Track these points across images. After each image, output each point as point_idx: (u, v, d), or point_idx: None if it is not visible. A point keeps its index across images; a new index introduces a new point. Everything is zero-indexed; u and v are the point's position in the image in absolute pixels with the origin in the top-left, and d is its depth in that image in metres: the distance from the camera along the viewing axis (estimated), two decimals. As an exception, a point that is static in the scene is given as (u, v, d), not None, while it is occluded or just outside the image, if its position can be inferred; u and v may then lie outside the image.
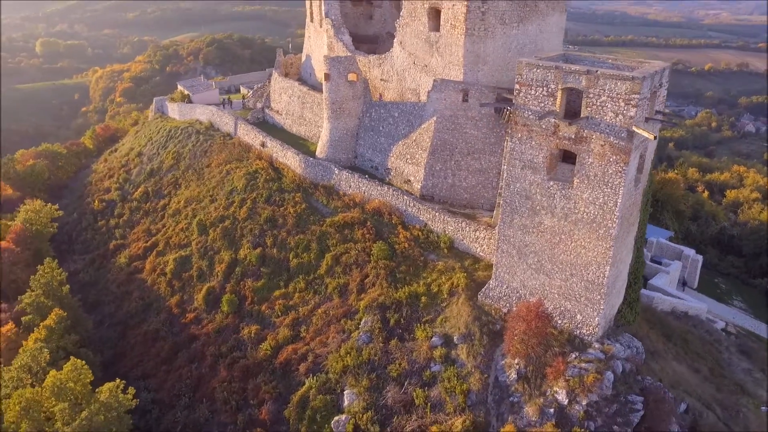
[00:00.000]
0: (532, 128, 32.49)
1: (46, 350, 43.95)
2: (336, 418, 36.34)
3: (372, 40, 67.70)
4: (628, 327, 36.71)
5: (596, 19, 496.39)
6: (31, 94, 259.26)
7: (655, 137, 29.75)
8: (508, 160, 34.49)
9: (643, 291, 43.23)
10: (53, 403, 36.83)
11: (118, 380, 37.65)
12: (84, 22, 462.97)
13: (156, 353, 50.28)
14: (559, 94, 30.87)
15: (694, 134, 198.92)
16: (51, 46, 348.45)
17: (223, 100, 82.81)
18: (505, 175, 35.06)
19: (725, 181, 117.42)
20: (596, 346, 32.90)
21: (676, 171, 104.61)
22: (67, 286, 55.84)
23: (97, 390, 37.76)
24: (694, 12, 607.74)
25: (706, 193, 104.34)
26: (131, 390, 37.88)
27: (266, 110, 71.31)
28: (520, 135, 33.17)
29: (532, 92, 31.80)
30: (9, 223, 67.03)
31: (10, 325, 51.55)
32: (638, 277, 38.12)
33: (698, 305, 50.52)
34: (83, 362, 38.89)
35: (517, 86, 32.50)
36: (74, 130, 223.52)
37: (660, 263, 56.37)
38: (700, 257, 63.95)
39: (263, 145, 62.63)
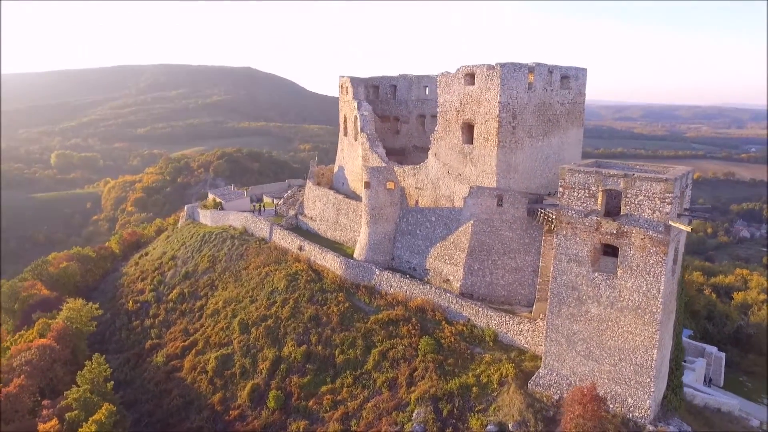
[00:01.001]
0: (576, 225, 36.50)
1: (99, 446, 44.71)
2: None
3: (399, 153, 73.80)
4: (675, 413, 38.41)
5: (586, 133, 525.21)
6: (45, 203, 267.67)
7: (692, 229, 33.64)
8: (555, 254, 38.13)
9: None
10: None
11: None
12: (97, 136, 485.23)
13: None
14: (600, 195, 35.21)
15: (691, 240, 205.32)
16: (65, 158, 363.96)
17: (254, 207, 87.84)
18: (552, 269, 38.47)
19: (730, 283, 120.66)
20: (650, 428, 34.64)
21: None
22: (111, 382, 57.01)
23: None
24: (675, 126, 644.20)
25: (713, 296, 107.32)
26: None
27: (299, 216, 75.97)
28: (565, 232, 37.11)
29: (575, 194, 36.17)
30: (49, 321, 68.97)
31: (54, 422, 52.16)
32: (679, 364, 40.42)
33: (731, 401, 51.74)
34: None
35: (560, 189, 36.93)
36: (84, 237, 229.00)
37: (684, 361, 58.24)
38: (723, 354, 65.69)
39: (300, 248, 66.42)
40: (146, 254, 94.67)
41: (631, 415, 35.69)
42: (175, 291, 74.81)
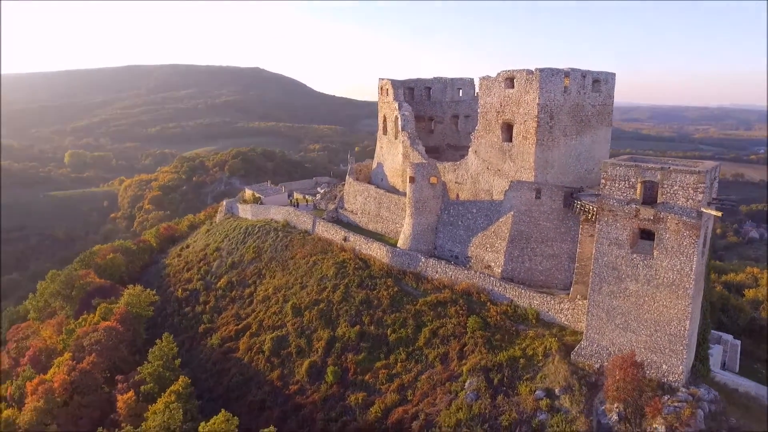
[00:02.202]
0: (616, 213, 41.43)
1: (180, 411, 49.95)
2: (456, 464, 41.85)
3: (434, 151, 78.73)
4: (703, 380, 43.26)
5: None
6: (62, 201, 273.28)
7: (721, 214, 38.50)
8: (596, 238, 43.05)
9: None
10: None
11: (273, 428, 43.52)
12: (108, 135, 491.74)
13: (265, 421, 55.51)
14: (638, 186, 40.13)
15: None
16: (78, 157, 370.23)
17: (291, 201, 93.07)
18: (594, 251, 43.40)
19: (741, 281, 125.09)
20: (683, 390, 39.52)
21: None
22: (179, 359, 62.25)
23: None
24: (683, 127, 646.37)
25: (726, 292, 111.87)
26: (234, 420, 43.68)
27: (340, 210, 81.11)
28: (606, 219, 42.05)
29: (616, 185, 41.10)
30: (111, 306, 74.33)
31: (130, 393, 57.53)
32: (705, 338, 45.30)
33: (747, 383, 56.43)
34: (231, 414, 44.94)
35: (602, 180, 41.85)
36: (102, 235, 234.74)
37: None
38: (738, 342, 70.09)
39: (345, 239, 71.52)
40: (187, 246, 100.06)
41: (665, 379, 40.58)
42: (223, 279, 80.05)
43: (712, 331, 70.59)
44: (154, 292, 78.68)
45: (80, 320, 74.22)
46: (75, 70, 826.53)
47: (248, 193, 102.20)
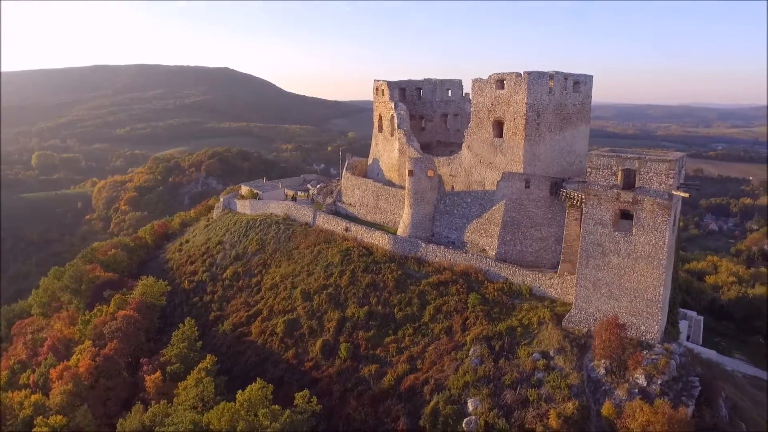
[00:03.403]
0: (600, 197, 48.22)
1: (212, 384, 55.03)
2: (466, 419, 47.99)
3: (425, 147, 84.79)
4: (674, 339, 50.43)
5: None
6: (35, 204, 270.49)
7: (689, 195, 45.55)
8: (583, 220, 49.83)
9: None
10: (245, 414, 47.76)
11: (306, 390, 48.99)
12: (75, 137, 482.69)
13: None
14: (619, 173, 46.96)
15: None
16: (46, 159, 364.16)
17: (290, 196, 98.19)
18: (581, 231, 50.17)
19: (703, 269, 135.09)
20: (659, 346, 46.49)
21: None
22: (200, 342, 67.05)
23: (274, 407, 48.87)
24: (646, 125, 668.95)
25: (689, 277, 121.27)
26: (314, 399, 49.19)
27: (338, 203, 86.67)
28: (591, 202, 48.83)
29: (600, 173, 47.89)
30: (125, 296, 78.46)
31: (157, 374, 62.18)
32: (676, 304, 52.64)
33: (710, 352, 64.41)
34: (265, 382, 50.26)
35: (588, 169, 48.63)
36: (79, 236, 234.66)
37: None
38: (701, 318, 78.26)
39: (347, 230, 77.14)
40: (187, 241, 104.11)
41: (644, 338, 47.52)
42: (228, 270, 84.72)
43: (680, 309, 78.85)
44: (166, 282, 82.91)
45: (95, 311, 78.07)
46: (38, 70, 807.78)
47: (245, 189, 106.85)
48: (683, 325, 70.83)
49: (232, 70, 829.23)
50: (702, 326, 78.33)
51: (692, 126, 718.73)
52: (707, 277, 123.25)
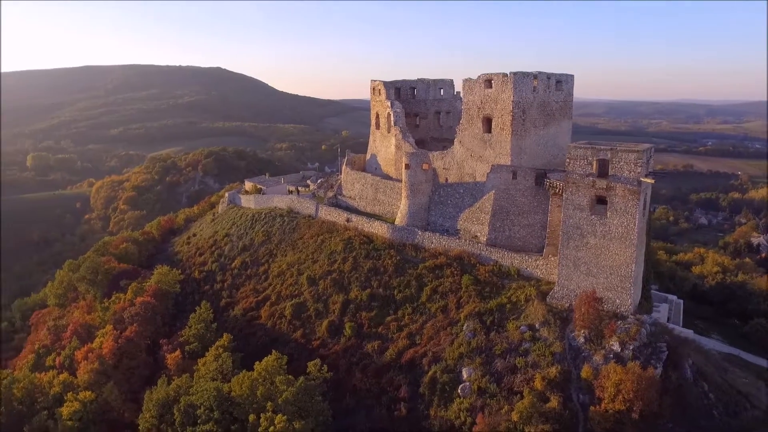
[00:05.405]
0: (578, 184, 54.00)
1: (230, 359, 60.55)
2: (461, 385, 53.77)
3: (419, 143, 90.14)
4: (646, 311, 56.32)
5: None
6: (34, 204, 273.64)
7: (654, 181, 51.35)
8: (563, 205, 55.63)
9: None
10: (262, 381, 53.27)
11: (318, 360, 54.57)
12: (69, 137, 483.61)
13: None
14: (594, 162, 52.75)
15: (655, 227, 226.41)
16: (42, 160, 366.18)
17: (292, 190, 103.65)
18: (562, 215, 55.97)
19: (689, 260, 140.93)
20: (631, 317, 52.35)
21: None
22: (215, 324, 72.49)
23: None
24: (638, 121, 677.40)
25: (674, 266, 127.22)
26: (325, 367, 54.80)
27: (339, 196, 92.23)
28: (571, 189, 54.61)
29: (578, 163, 53.67)
30: (142, 285, 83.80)
31: (177, 353, 67.61)
32: (648, 281, 58.44)
33: (687, 331, 69.99)
34: (279, 353, 55.81)
35: (567, 159, 54.42)
36: (79, 236, 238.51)
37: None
38: (681, 301, 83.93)
39: (348, 220, 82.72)
40: (194, 235, 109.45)
41: (618, 310, 53.40)
42: (237, 260, 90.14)
43: (660, 293, 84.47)
44: (179, 272, 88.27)
45: (113, 299, 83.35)
46: (29, 70, 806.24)
47: (249, 185, 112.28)
48: (663, 308, 76.35)
49: (225, 69, 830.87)
50: (682, 309, 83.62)
51: (683, 122, 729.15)
52: (693, 267, 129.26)
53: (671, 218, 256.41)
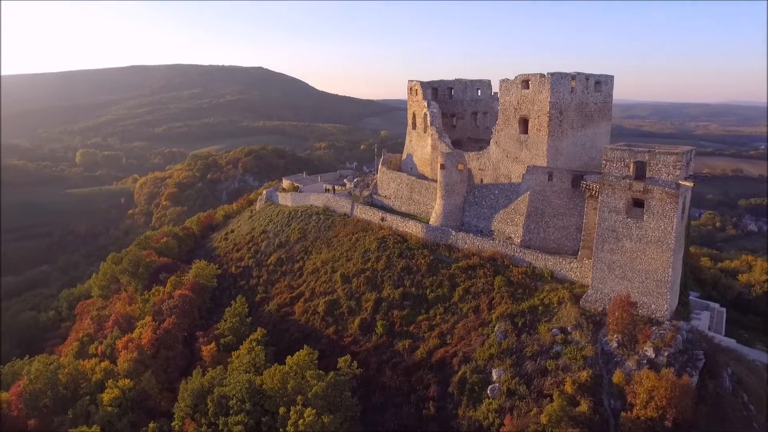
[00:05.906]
0: (615, 187, 53.12)
1: (263, 352, 61.84)
2: (491, 386, 53.54)
3: (455, 143, 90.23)
4: (684, 318, 54.94)
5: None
6: (81, 199, 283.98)
7: (693, 185, 50.09)
8: (599, 208, 54.79)
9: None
10: (293, 375, 54.25)
11: (348, 356, 55.30)
12: (116, 135, 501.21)
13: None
14: (631, 165, 51.80)
15: (700, 233, 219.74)
16: (90, 156, 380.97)
17: (328, 188, 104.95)
18: (597, 218, 55.14)
19: (736, 267, 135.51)
20: (667, 323, 51.19)
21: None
22: (250, 318, 74.08)
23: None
24: (684, 124, 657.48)
25: (718, 273, 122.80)
26: (355, 363, 55.49)
27: (374, 195, 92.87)
28: (607, 191, 53.76)
29: (614, 165, 52.79)
30: (180, 278, 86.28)
31: (212, 345, 69.39)
32: (687, 288, 57.04)
33: (730, 340, 67.87)
34: (310, 348, 56.75)
35: (604, 161, 53.59)
36: (123, 230, 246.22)
37: (692, 314, 73.94)
38: (724, 309, 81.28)
39: (383, 219, 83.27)
40: (232, 231, 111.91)
41: (653, 315, 52.30)
42: (272, 257, 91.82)
43: (701, 300, 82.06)
44: (216, 266, 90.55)
45: (153, 291, 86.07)
46: (77, 70, 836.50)
47: (287, 183, 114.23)
48: (705, 316, 74.16)
49: (266, 69, 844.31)
50: (724, 317, 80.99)
51: (734, 125, 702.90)
52: (740, 275, 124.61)
53: (718, 224, 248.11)
